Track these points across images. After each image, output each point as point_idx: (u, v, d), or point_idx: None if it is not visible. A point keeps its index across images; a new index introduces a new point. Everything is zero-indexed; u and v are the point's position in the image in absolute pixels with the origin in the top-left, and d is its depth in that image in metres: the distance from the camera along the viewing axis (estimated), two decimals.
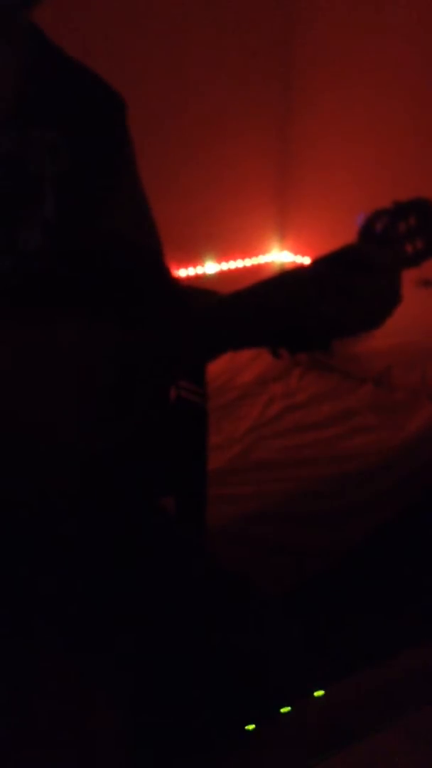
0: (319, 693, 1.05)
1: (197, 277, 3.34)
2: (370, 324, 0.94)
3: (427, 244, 1.00)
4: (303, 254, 3.53)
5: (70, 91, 0.99)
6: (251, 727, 0.97)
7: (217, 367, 2.99)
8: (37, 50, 0.97)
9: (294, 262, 3.56)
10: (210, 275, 3.37)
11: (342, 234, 0.99)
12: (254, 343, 0.97)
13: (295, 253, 3.58)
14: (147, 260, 1.05)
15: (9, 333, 0.86)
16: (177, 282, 1.08)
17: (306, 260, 3.45)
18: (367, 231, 0.98)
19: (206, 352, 0.97)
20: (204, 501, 1.08)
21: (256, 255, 3.55)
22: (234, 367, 3.08)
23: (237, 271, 3.46)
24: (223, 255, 3.42)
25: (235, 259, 3.47)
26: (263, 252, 3.58)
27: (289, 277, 0.95)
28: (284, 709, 1.00)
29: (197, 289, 1.20)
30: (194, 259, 3.32)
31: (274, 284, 0.94)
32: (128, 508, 1.01)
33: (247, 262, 3.51)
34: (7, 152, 0.92)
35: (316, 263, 0.94)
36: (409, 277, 1.00)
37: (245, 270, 3.48)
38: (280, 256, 3.62)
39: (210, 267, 3.38)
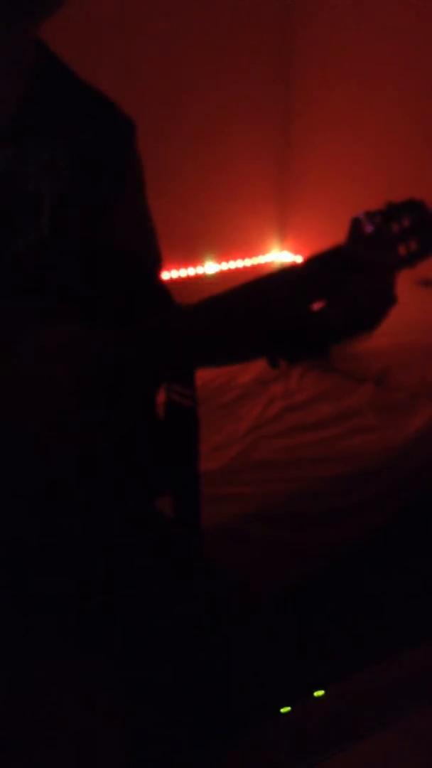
0: (319, 693, 1.05)
1: (197, 277, 3.34)
2: (365, 326, 0.94)
3: (421, 245, 0.98)
4: (303, 254, 3.53)
5: (74, 110, 0.99)
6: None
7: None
8: (42, 66, 0.97)
9: (294, 263, 3.56)
10: (210, 275, 3.37)
11: (342, 234, 0.99)
12: (251, 349, 0.96)
13: (295, 253, 3.58)
14: (139, 267, 1.05)
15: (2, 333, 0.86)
16: (168, 291, 1.08)
17: None
18: (357, 232, 0.97)
19: (200, 354, 0.96)
20: (198, 501, 1.08)
21: (256, 255, 3.55)
22: (234, 367, 3.07)
23: (237, 271, 3.46)
24: (223, 255, 3.42)
25: (235, 259, 3.47)
26: (263, 252, 3.58)
27: (279, 277, 0.95)
28: (284, 709, 1.00)
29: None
30: (194, 259, 3.32)
31: (263, 285, 0.93)
32: (123, 508, 1.01)
33: (247, 262, 3.51)
34: (4, 168, 0.92)
35: (306, 263, 0.94)
36: (409, 277, 0.99)
37: (245, 270, 3.48)
38: (280, 256, 3.62)
39: (210, 267, 3.38)
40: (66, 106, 0.98)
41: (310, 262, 0.94)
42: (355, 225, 0.97)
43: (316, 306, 0.92)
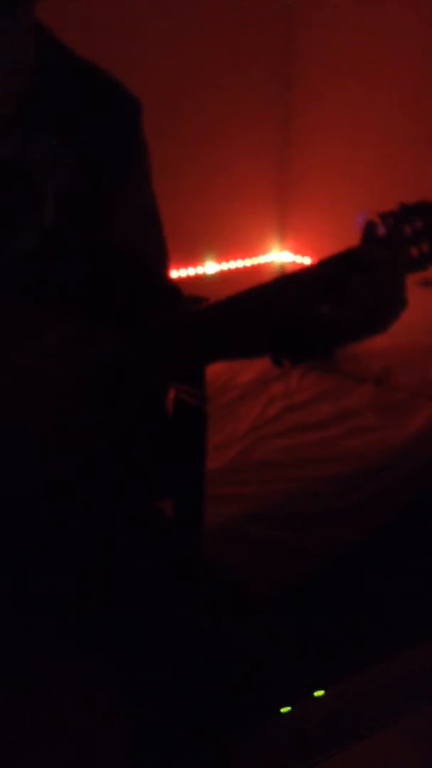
0: (319, 693, 1.05)
1: (197, 277, 3.33)
2: (375, 328, 0.93)
3: None
4: (303, 254, 3.53)
5: (79, 95, 0.98)
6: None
7: (218, 367, 2.98)
8: (45, 51, 0.96)
9: (294, 262, 3.56)
10: (210, 275, 3.37)
11: (342, 234, 0.98)
12: (255, 349, 0.96)
13: (295, 253, 3.58)
14: (141, 266, 1.05)
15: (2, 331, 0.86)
16: (178, 290, 1.07)
17: (306, 260, 3.45)
18: (370, 233, 0.96)
19: (204, 354, 0.96)
20: (202, 502, 1.08)
21: (256, 255, 3.55)
22: (234, 367, 3.07)
23: (237, 271, 3.45)
24: (223, 255, 3.41)
25: (235, 259, 3.46)
26: (263, 252, 3.57)
27: (291, 279, 0.95)
28: (284, 709, 1.00)
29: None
30: (194, 259, 3.32)
31: (275, 287, 0.93)
32: (123, 508, 1.01)
33: (247, 262, 3.51)
34: (9, 157, 0.91)
35: (318, 265, 0.94)
36: (410, 277, 0.99)
37: (245, 270, 3.48)
38: (280, 256, 3.61)
39: (210, 267, 3.37)
40: (68, 99, 0.97)
41: (320, 264, 0.94)
42: (369, 227, 0.96)
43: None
